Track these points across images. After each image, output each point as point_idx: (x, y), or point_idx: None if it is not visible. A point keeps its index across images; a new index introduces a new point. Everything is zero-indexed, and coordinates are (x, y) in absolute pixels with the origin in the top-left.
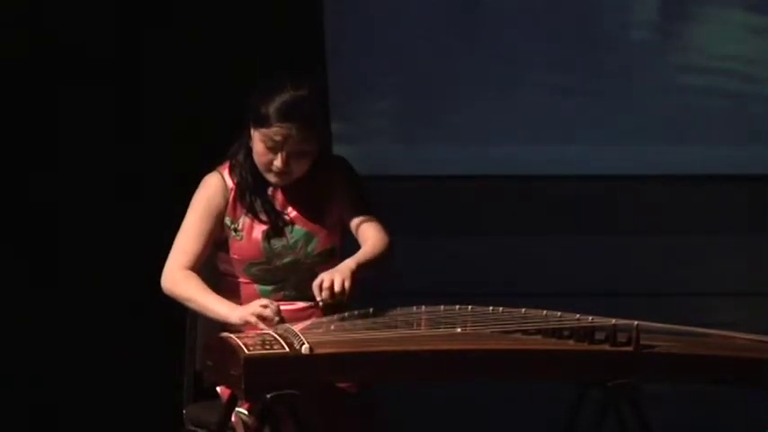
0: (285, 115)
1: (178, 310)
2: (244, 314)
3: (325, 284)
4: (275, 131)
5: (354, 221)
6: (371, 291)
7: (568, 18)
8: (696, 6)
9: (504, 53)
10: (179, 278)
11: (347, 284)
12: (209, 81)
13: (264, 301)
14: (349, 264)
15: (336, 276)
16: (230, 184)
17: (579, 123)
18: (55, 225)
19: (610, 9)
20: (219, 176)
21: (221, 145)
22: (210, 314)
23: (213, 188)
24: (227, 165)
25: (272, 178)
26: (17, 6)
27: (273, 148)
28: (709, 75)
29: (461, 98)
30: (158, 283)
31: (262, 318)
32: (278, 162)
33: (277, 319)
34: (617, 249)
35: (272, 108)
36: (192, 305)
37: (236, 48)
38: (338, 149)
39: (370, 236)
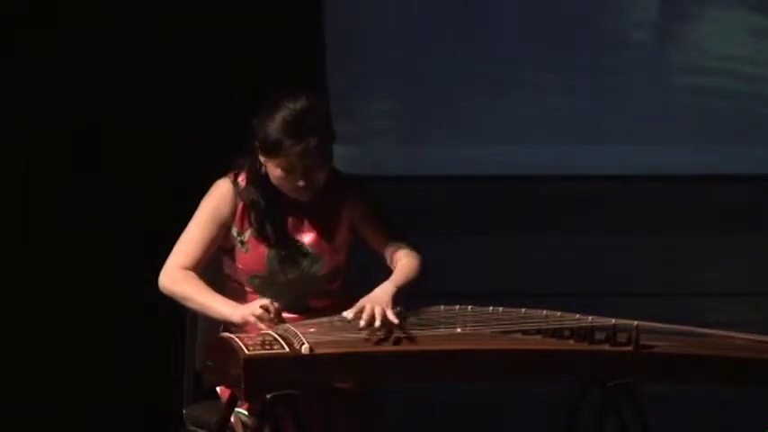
0: (295, 134)
1: (178, 311)
2: (245, 313)
3: (365, 315)
4: (290, 154)
5: (383, 244)
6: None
7: (568, 18)
8: (696, 6)
9: (504, 53)
10: (178, 277)
11: (389, 315)
12: (210, 82)
13: (265, 301)
14: (388, 288)
15: (377, 308)
16: (239, 195)
17: (579, 123)
18: (55, 224)
19: (610, 9)
20: (230, 184)
21: (221, 145)
22: (211, 313)
23: (222, 196)
24: (234, 173)
25: (299, 196)
26: None
27: (292, 170)
28: (709, 75)
29: (461, 98)
30: (157, 282)
31: (261, 319)
32: (302, 181)
33: (277, 319)
34: (617, 249)
35: (279, 132)
36: (191, 304)
37: (237, 48)
38: (338, 149)
39: (402, 257)
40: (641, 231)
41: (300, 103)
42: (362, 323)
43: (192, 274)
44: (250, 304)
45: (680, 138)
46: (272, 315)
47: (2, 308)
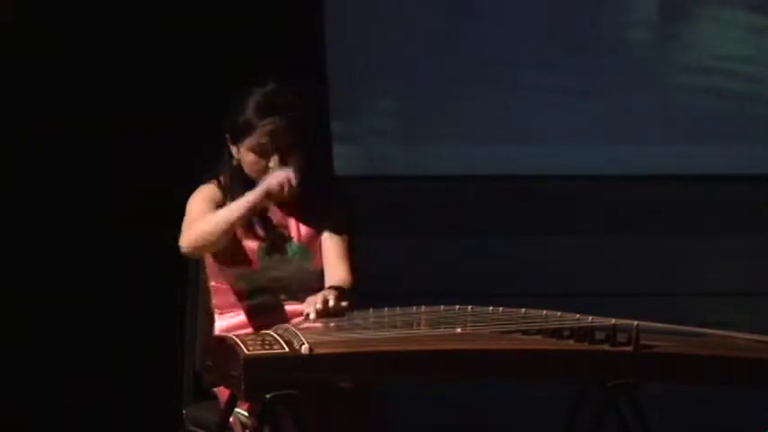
0: (264, 113)
1: (178, 310)
2: (263, 188)
3: (319, 301)
4: (260, 133)
5: (331, 252)
6: (371, 291)
7: (568, 18)
8: (696, 6)
9: (504, 53)
10: (192, 227)
11: (342, 303)
12: (210, 81)
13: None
14: (334, 290)
15: (330, 296)
16: (224, 194)
17: (579, 123)
18: (55, 224)
19: (610, 9)
20: (213, 186)
21: (221, 145)
22: (236, 215)
23: (208, 191)
24: (214, 181)
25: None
26: None
27: (264, 152)
28: (710, 75)
29: (461, 98)
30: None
31: (281, 185)
32: (273, 164)
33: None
34: (617, 249)
35: (248, 113)
36: (220, 227)
37: (237, 48)
38: (338, 149)
39: (341, 273)
40: (641, 231)
41: (269, 87)
42: (317, 306)
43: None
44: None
45: (680, 138)
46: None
47: (2, 307)
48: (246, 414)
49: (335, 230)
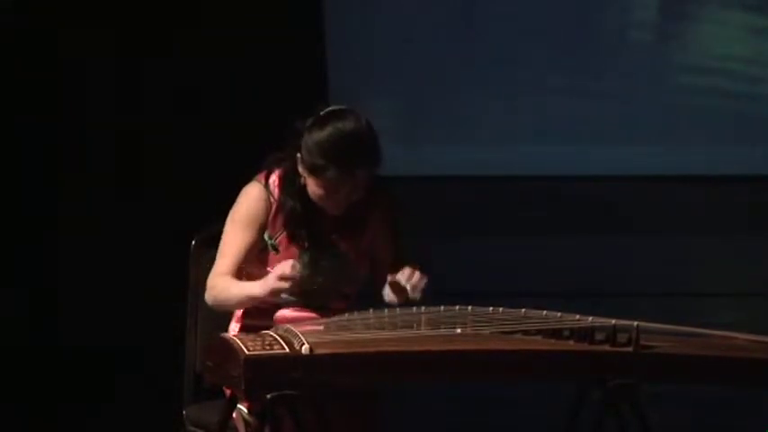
0: (343, 165)
1: (178, 311)
2: (265, 289)
3: (412, 278)
4: (335, 181)
5: (392, 262)
6: (371, 291)
7: (568, 18)
8: (696, 6)
9: (504, 53)
10: (214, 284)
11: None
12: (211, 82)
13: (280, 270)
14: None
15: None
16: (272, 197)
17: (579, 123)
18: (55, 223)
19: (610, 9)
20: (261, 187)
21: (221, 146)
22: (246, 299)
23: (254, 199)
24: (263, 175)
25: (330, 210)
26: None
27: (335, 192)
28: (710, 75)
29: (461, 98)
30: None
31: (282, 287)
32: (334, 202)
33: (298, 275)
34: (617, 249)
35: (327, 158)
36: (229, 301)
37: (237, 50)
38: None
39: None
40: (641, 231)
41: (349, 125)
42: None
43: (227, 276)
44: (268, 277)
45: (680, 138)
46: (291, 279)
47: (3, 306)
48: (247, 411)
49: (387, 236)
